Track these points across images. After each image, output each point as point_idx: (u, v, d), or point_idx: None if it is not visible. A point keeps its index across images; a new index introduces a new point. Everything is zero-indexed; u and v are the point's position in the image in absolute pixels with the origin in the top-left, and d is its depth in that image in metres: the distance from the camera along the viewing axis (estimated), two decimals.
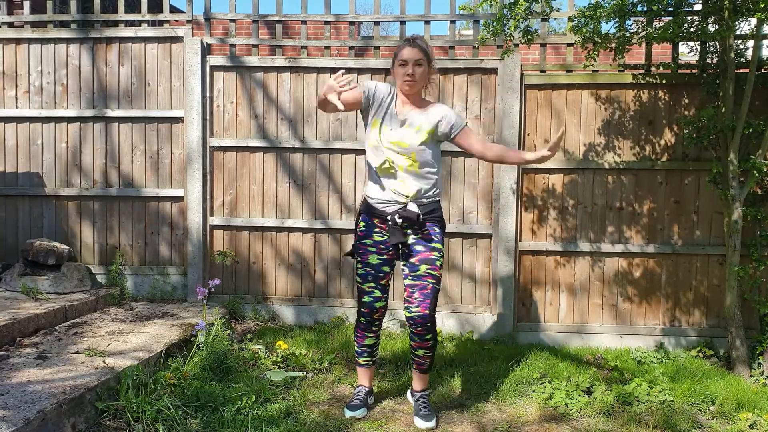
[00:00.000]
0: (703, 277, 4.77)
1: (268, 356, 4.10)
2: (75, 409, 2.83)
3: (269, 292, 5.12)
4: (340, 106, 3.03)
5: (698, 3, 4.55)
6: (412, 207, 3.13)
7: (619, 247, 4.78)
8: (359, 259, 3.26)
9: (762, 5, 3.72)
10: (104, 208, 5.20)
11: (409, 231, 3.18)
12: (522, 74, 4.81)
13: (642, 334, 4.80)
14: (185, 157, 5.06)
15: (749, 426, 3.32)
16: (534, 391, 3.71)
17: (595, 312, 4.86)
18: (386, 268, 3.25)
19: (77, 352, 3.52)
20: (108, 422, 2.94)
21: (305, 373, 3.91)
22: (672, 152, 4.75)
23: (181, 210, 5.15)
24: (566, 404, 3.53)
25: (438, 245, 3.18)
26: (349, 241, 5.03)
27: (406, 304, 3.17)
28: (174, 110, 5.11)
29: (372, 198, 3.23)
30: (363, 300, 3.27)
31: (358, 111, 3.29)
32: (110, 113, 5.14)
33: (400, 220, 3.11)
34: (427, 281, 3.13)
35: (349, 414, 3.27)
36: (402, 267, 3.24)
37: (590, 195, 4.82)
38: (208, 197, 5.08)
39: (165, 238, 5.18)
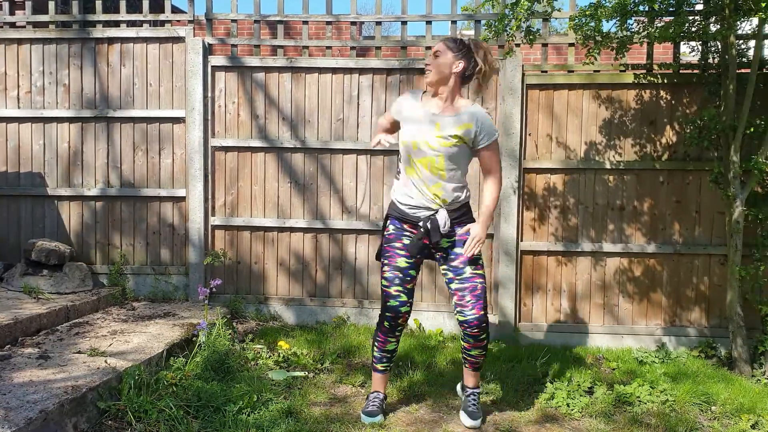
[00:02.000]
0: (704, 277, 4.76)
1: (270, 356, 4.10)
2: (77, 409, 2.84)
3: (270, 292, 5.12)
4: (390, 140, 3.22)
5: (699, 3, 4.55)
6: (442, 214, 3.11)
7: (620, 247, 4.78)
8: (386, 261, 3.20)
9: (763, 5, 3.72)
10: (106, 208, 5.21)
11: (452, 240, 3.15)
12: (523, 74, 4.81)
13: (643, 334, 4.79)
14: (187, 157, 5.07)
15: (751, 426, 3.32)
16: (535, 392, 3.71)
17: (597, 312, 4.85)
18: (413, 272, 3.20)
19: (79, 352, 3.52)
20: (110, 422, 2.95)
21: (306, 373, 3.91)
22: (673, 152, 4.75)
23: (183, 210, 5.15)
24: (567, 404, 3.52)
25: None
26: (350, 242, 5.03)
27: (458, 308, 3.12)
28: (175, 110, 5.11)
29: (403, 204, 3.19)
30: (388, 304, 3.18)
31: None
32: (112, 113, 5.15)
33: (427, 228, 3.10)
34: (476, 282, 3.11)
35: (368, 420, 3.21)
36: (443, 271, 3.21)
37: (591, 194, 4.82)
38: (209, 197, 5.08)
39: (166, 238, 5.19)
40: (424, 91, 3.24)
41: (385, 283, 3.20)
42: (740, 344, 4.24)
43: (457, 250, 3.15)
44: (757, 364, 4.26)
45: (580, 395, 3.63)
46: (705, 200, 4.73)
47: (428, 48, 5.07)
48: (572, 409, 3.47)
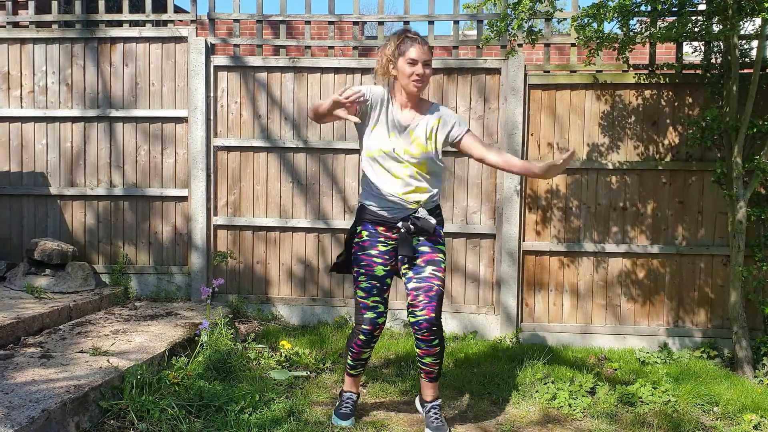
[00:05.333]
0: (707, 278, 4.76)
1: (272, 356, 4.10)
2: (79, 408, 2.84)
3: (272, 292, 5.12)
4: (353, 119, 2.81)
5: (702, 3, 4.54)
6: (424, 214, 2.97)
7: (623, 248, 4.77)
8: (362, 271, 3.02)
9: (766, 5, 3.71)
10: (109, 208, 5.21)
11: (419, 239, 3.02)
12: (525, 74, 4.80)
13: (646, 334, 4.79)
14: (189, 157, 5.07)
15: (753, 427, 3.31)
16: (537, 392, 3.71)
17: (599, 312, 4.85)
18: (389, 280, 3.07)
19: (81, 352, 3.53)
20: (112, 421, 2.95)
21: (308, 372, 3.91)
22: (676, 152, 4.74)
23: (185, 210, 5.16)
24: (569, 405, 3.52)
25: (442, 246, 3.05)
26: None
27: (410, 309, 2.96)
28: (178, 110, 5.12)
29: (375, 206, 3.02)
30: (365, 316, 3.02)
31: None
32: (114, 113, 5.15)
33: (412, 228, 2.95)
34: (433, 283, 2.95)
35: (340, 423, 3.15)
36: (404, 271, 3.04)
37: (594, 195, 4.81)
38: (211, 197, 5.09)
39: (169, 238, 5.19)
40: (390, 97, 3.02)
41: (361, 294, 3.03)
42: (743, 345, 4.23)
43: (423, 248, 2.99)
44: (760, 364, 4.25)
45: (582, 395, 3.62)
46: (707, 201, 4.72)
47: (431, 48, 5.06)
48: (574, 410, 3.47)
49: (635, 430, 3.26)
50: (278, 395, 3.46)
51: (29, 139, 5.24)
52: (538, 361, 4.19)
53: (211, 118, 5.07)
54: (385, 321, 3.08)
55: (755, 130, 4.20)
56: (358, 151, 4.98)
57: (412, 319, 2.97)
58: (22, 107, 5.23)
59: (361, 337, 3.06)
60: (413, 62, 2.90)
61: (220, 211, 5.12)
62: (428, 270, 2.98)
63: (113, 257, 5.23)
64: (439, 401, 3.16)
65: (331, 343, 4.48)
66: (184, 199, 5.15)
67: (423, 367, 3.08)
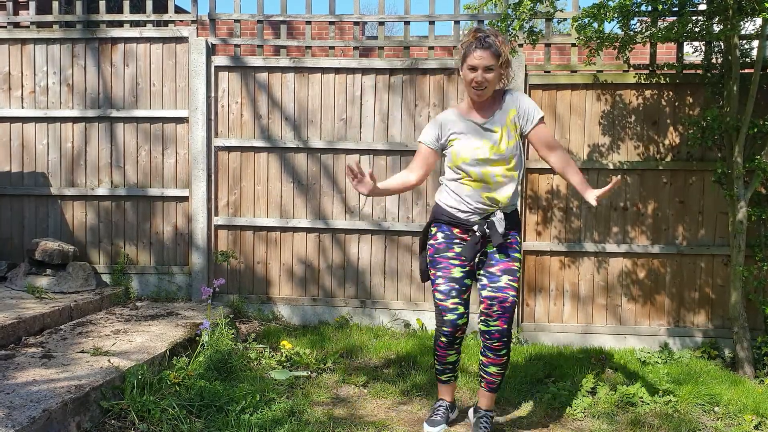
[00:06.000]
0: (707, 278, 4.75)
1: (273, 356, 4.11)
2: (80, 408, 2.84)
3: (273, 292, 5.13)
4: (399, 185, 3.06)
5: (703, 3, 4.54)
6: (498, 221, 2.93)
7: (623, 248, 4.77)
8: (440, 274, 3.00)
9: (767, 5, 3.71)
10: (109, 208, 5.22)
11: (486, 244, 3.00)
12: (526, 74, 4.80)
13: (646, 334, 4.79)
14: (190, 157, 5.07)
15: (754, 427, 3.31)
16: (538, 392, 3.71)
17: (600, 312, 4.85)
18: (469, 281, 3.03)
19: (82, 352, 3.53)
20: (113, 421, 2.95)
21: (309, 372, 3.91)
22: (676, 152, 4.74)
23: (186, 210, 5.16)
24: (570, 405, 3.52)
25: (519, 255, 3.02)
26: (352, 242, 5.03)
27: (483, 317, 2.95)
28: (179, 110, 5.12)
29: (453, 207, 3.01)
30: (445, 318, 2.99)
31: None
32: (115, 113, 5.16)
33: (484, 232, 2.93)
34: (508, 294, 2.92)
35: (427, 429, 3.13)
36: (478, 276, 3.03)
37: None
38: (212, 197, 5.09)
39: (170, 238, 5.20)
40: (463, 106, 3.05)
41: (440, 296, 3.00)
42: (744, 345, 4.23)
43: (498, 256, 2.97)
44: (761, 364, 4.25)
45: (583, 395, 3.62)
46: (708, 201, 4.72)
47: (431, 48, 5.08)
48: (575, 410, 3.47)
49: (636, 430, 3.26)
50: (279, 395, 3.47)
51: (30, 139, 5.24)
52: (539, 361, 4.19)
53: (212, 118, 5.07)
54: (466, 322, 3.04)
55: (756, 130, 4.20)
56: (358, 152, 5.01)
57: (484, 328, 2.98)
58: (23, 107, 5.23)
59: (443, 339, 3.06)
60: (473, 69, 2.83)
61: (221, 211, 5.12)
62: (504, 280, 2.95)
63: (114, 257, 5.23)
64: (493, 412, 3.15)
65: (332, 343, 4.48)
66: (184, 199, 5.16)
67: (486, 376, 3.08)
